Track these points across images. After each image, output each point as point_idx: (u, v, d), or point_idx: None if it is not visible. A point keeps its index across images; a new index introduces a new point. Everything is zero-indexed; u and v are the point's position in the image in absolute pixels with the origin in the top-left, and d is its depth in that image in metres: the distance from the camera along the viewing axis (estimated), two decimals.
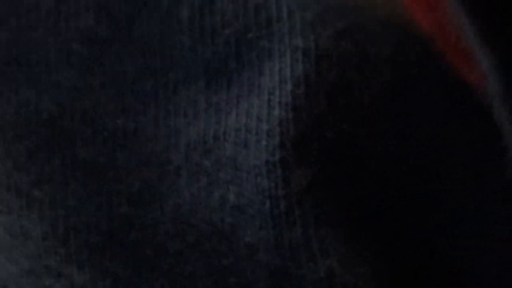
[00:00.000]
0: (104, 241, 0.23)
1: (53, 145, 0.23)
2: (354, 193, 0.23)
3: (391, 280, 0.24)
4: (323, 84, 0.23)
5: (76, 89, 0.23)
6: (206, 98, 0.23)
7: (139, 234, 0.23)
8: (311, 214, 0.23)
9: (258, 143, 0.23)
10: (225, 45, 0.23)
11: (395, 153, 0.24)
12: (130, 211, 0.23)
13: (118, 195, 0.23)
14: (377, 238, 0.23)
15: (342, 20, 0.24)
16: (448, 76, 0.24)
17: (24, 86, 0.23)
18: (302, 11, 0.23)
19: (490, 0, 0.21)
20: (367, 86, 0.23)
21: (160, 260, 0.23)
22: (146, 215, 0.23)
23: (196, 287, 0.23)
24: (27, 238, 0.24)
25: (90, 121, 0.23)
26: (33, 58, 0.23)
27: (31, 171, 0.23)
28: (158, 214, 0.23)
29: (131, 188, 0.23)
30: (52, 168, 0.23)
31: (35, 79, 0.23)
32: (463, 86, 0.24)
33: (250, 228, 0.23)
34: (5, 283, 0.24)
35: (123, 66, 0.23)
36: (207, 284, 0.23)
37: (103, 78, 0.23)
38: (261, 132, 0.23)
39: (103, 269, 0.23)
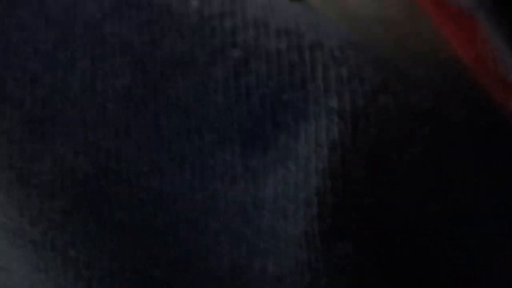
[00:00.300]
0: None
1: (88, 205, 0.23)
2: (396, 262, 0.23)
3: None
4: (360, 147, 0.23)
5: (112, 150, 0.23)
6: (242, 162, 0.23)
7: None
8: (352, 286, 0.22)
9: (297, 212, 0.23)
10: (260, 106, 0.23)
11: (437, 215, 0.23)
12: (166, 274, 0.23)
13: (154, 258, 0.23)
14: None
15: (379, 72, 0.23)
16: (490, 116, 0.24)
17: (59, 144, 0.23)
18: (337, 67, 0.23)
19: None
20: (407, 143, 0.23)
21: None
22: (183, 279, 0.23)
23: None
24: None
25: (126, 182, 0.23)
26: (68, 117, 0.23)
27: (67, 230, 0.23)
28: (196, 280, 0.23)
29: (168, 251, 0.23)
30: (87, 228, 0.23)
31: (71, 138, 0.23)
32: (505, 124, 0.24)
33: None
34: None
35: (159, 126, 0.23)
36: None
37: (139, 138, 0.23)
38: (298, 201, 0.23)
39: None
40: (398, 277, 0.23)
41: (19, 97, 0.22)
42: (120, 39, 0.23)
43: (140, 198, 0.23)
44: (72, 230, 0.23)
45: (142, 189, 0.23)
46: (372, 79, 0.23)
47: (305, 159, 0.23)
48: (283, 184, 0.23)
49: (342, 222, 0.23)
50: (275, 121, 0.23)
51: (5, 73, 0.23)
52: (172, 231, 0.23)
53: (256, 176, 0.23)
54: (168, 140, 0.23)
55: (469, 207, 0.24)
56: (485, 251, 0.24)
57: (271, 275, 0.23)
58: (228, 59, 0.23)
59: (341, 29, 0.24)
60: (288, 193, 0.23)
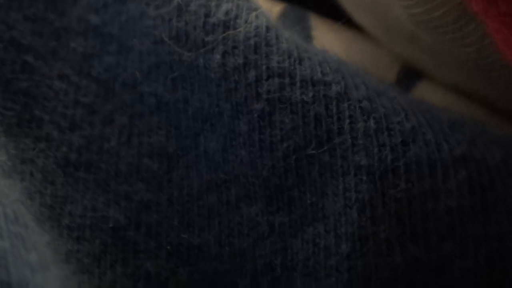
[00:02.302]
0: None
1: (116, 253, 0.23)
2: None
3: None
4: (390, 205, 0.22)
5: (144, 203, 0.23)
6: (268, 219, 0.23)
7: None
8: None
9: (328, 278, 0.22)
10: (284, 160, 0.23)
11: (479, 271, 0.21)
12: None
13: None
14: None
15: (410, 120, 0.22)
16: None
17: (92, 192, 0.24)
18: (364, 120, 0.22)
19: None
20: (441, 193, 0.22)
21: None
22: None
23: None
24: None
25: (155, 234, 0.23)
26: (103, 167, 0.24)
27: (94, 274, 0.23)
28: None
29: None
30: (115, 275, 0.23)
31: (104, 188, 0.24)
32: None
33: None
34: None
35: (189, 181, 0.23)
36: None
37: (170, 193, 0.24)
38: (329, 267, 0.22)
39: None
40: None
41: (56, 140, 0.24)
42: (156, 98, 0.24)
43: (168, 251, 0.23)
44: (99, 275, 0.23)
45: (170, 242, 0.23)
46: (402, 129, 0.22)
47: (334, 222, 0.22)
48: (313, 245, 0.22)
49: (375, 286, 0.21)
50: (300, 176, 0.23)
51: (44, 116, 0.24)
52: (197, 286, 0.23)
53: (282, 235, 0.23)
54: (198, 194, 0.23)
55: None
56: None
57: None
58: (252, 112, 0.23)
59: (369, 76, 0.24)
60: (319, 257, 0.22)
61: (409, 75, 0.26)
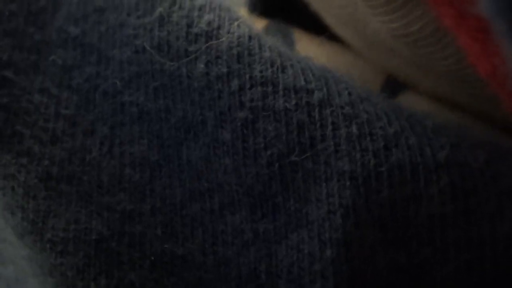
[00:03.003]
0: None
1: (100, 264, 0.23)
2: None
3: None
4: (374, 210, 0.22)
5: (127, 213, 0.23)
6: (252, 227, 0.23)
7: None
8: None
9: (313, 283, 0.22)
10: (268, 167, 0.23)
11: (465, 277, 0.21)
12: None
13: None
14: None
15: (393, 125, 0.22)
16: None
17: (74, 204, 0.23)
18: (347, 125, 0.22)
19: None
20: (424, 198, 0.22)
21: None
22: None
23: None
24: None
25: (138, 245, 0.23)
26: (85, 179, 0.23)
27: (78, 287, 0.23)
28: None
29: None
30: (98, 287, 0.23)
31: (86, 200, 0.23)
32: None
33: None
34: None
35: (172, 190, 0.23)
36: None
37: (153, 202, 0.23)
38: (314, 273, 0.22)
39: None
40: None
41: (37, 154, 0.23)
42: (137, 107, 0.24)
43: (152, 261, 0.23)
44: (83, 287, 0.23)
45: (154, 252, 0.23)
46: (384, 134, 0.22)
47: (318, 227, 0.22)
48: (297, 252, 0.22)
49: None
50: (283, 183, 0.23)
51: (25, 130, 0.24)
52: None
53: (267, 242, 0.23)
54: (181, 203, 0.23)
55: (502, 258, 0.21)
56: None
57: None
58: (235, 120, 0.23)
59: (352, 81, 0.24)
60: (303, 263, 0.22)
61: (393, 86, 0.26)
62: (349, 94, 0.23)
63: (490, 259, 0.21)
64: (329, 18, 0.26)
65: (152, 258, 0.23)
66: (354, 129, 0.22)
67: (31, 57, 0.24)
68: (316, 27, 0.27)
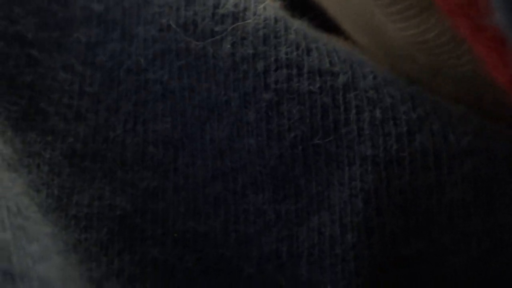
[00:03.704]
0: None
1: (124, 240, 0.24)
2: None
3: None
4: (395, 195, 0.22)
5: (150, 190, 0.24)
6: (274, 208, 0.23)
7: None
8: None
9: (333, 266, 0.22)
10: (291, 149, 0.23)
11: (485, 261, 0.22)
12: None
13: None
14: None
15: (416, 110, 0.22)
16: None
17: (98, 181, 0.24)
18: (371, 109, 0.22)
19: None
20: (446, 185, 0.22)
21: None
22: None
23: None
24: None
25: (161, 221, 0.24)
26: (109, 156, 0.24)
27: (102, 262, 0.24)
28: None
29: None
30: (122, 262, 0.24)
31: (110, 176, 0.24)
32: None
33: None
34: None
35: (195, 169, 0.24)
36: None
37: (176, 180, 0.24)
38: (335, 256, 0.22)
39: None
40: None
41: (62, 131, 0.24)
42: (161, 85, 0.24)
43: (175, 238, 0.23)
44: (107, 263, 0.24)
45: (177, 229, 0.24)
46: (408, 119, 0.22)
47: (340, 211, 0.22)
48: (318, 235, 0.23)
49: (381, 276, 0.22)
50: (306, 165, 0.23)
51: (49, 108, 0.24)
52: (204, 272, 0.23)
53: (289, 223, 0.23)
54: (204, 182, 0.24)
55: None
56: None
57: None
58: (260, 102, 0.23)
59: (376, 65, 0.24)
60: (324, 246, 0.22)
61: None
62: (374, 77, 0.23)
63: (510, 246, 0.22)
64: (346, 24, 0.27)
65: (175, 234, 0.23)
66: (377, 113, 0.22)
67: (55, 35, 0.24)
68: (332, 32, 0.28)
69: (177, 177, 0.24)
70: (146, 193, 0.24)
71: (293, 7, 0.25)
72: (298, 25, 0.24)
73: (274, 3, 0.24)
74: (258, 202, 0.23)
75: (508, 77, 0.19)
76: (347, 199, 0.22)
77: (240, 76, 0.23)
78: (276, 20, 0.23)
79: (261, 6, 0.24)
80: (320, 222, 0.23)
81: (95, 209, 0.24)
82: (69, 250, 0.24)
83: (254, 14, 0.24)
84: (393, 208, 0.22)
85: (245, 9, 0.24)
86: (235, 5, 0.24)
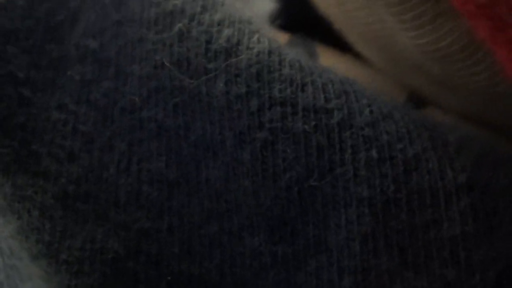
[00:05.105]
0: None
1: (116, 284, 0.23)
2: None
3: None
4: (391, 236, 0.21)
5: (144, 232, 0.23)
6: (270, 250, 0.22)
7: None
8: None
9: None
10: (287, 191, 0.22)
11: None
12: None
13: None
14: None
15: (413, 146, 0.22)
16: None
17: (91, 223, 0.23)
18: (367, 149, 0.22)
19: None
20: (443, 221, 0.21)
21: None
22: None
23: None
24: None
25: (155, 264, 0.23)
26: (102, 197, 0.23)
27: None
28: None
29: None
30: None
31: (103, 218, 0.23)
32: None
33: None
34: None
35: (190, 209, 0.23)
36: None
37: (170, 221, 0.23)
38: None
39: None
40: None
41: (54, 173, 0.23)
42: (156, 124, 0.23)
43: (168, 281, 0.23)
44: None
45: (171, 271, 0.23)
46: (405, 157, 0.22)
47: (337, 254, 0.22)
48: (316, 279, 0.22)
49: None
50: (302, 207, 0.22)
51: (42, 149, 0.23)
52: None
53: (286, 266, 0.22)
54: (199, 223, 0.23)
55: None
56: None
57: None
58: (254, 141, 0.23)
59: (375, 94, 0.23)
60: None
61: (416, 102, 0.26)
62: (371, 112, 0.22)
63: None
64: (353, 36, 0.26)
65: (169, 277, 0.23)
66: (374, 153, 0.22)
67: (48, 74, 0.24)
68: (339, 44, 0.27)
69: (171, 218, 0.23)
70: (140, 235, 0.23)
71: (293, 25, 0.25)
72: (293, 55, 0.23)
73: (268, 32, 0.24)
74: (254, 244, 0.23)
75: None
76: (344, 242, 0.22)
77: (235, 115, 0.23)
78: (270, 53, 0.23)
79: (255, 37, 0.23)
80: (318, 266, 0.22)
81: (87, 253, 0.23)
82: None
83: (247, 48, 0.23)
84: (390, 247, 0.21)
85: (238, 42, 0.23)
86: (228, 40, 0.23)
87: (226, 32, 0.23)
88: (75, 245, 0.23)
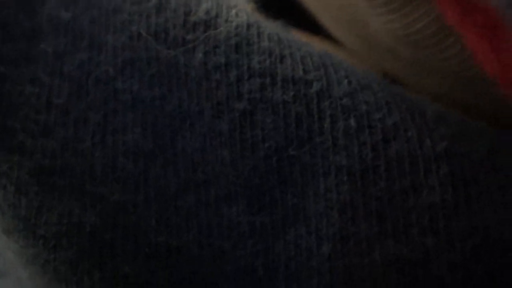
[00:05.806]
0: None
1: (94, 257, 0.23)
2: None
3: None
4: (370, 203, 0.21)
5: (121, 204, 0.23)
6: (248, 220, 0.22)
7: None
8: None
9: (309, 279, 0.22)
10: (265, 161, 0.22)
11: (463, 266, 0.21)
12: None
13: None
14: None
15: (392, 116, 0.22)
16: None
17: (67, 197, 0.23)
18: (345, 118, 0.22)
19: None
20: (422, 189, 0.22)
21: None
22: None
23: None
24: None
25: (132, 236, 0.23)
26: (78, 170, 0.23)
27: (71, 281, 0.23)
28: None
29: None
30: (92, 281, 0.23)
31: (80, 192, 0.23)
32: None
33: None
34: None
35: (167, 181, 0.23)
36: None
37: (147, 193, 0.23)
38: (311, 269, 0.22)
39: None
40: None
41: (29, 148, 0.23)
42: (131, 95, 0.23)
43: (146, 253, 0.23)
44: (77, 282, 0.23)
45: (148, 244, 0.23)
46: (384, 126, 0.22)
47: (316, 223, 0.22)
48: (295, 248, 0.22)
49: (355, 286, 0.21)
50: (281, 177, 0.22)
51: (16, 124, 0.23)
52: (177, 287, 0.23)
53: (264, 236, 0.22)
54: (176, 194, 0.23)
55: (498, 252, 0.22)
56: None
57: None
58: (233, 111, 0.23)
59: (352, 67, 0.23)
60: (301, 258, 0.22)
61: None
62: (349, 82, 0.23)
63: (497, 243, 0.21)
64: (327, 20, 0.26)
65: (147, 250, 0.23)
66: (352, 122, 0.22)
67: (21, 47, 0.23)
68: (312, 27, 0.27)
69: (148, 190, 0.23)
70: (116, 207, 0.23)
71: (268, 7, 0.25)
72: (271, 29, 0.23)
73: (246, 7, 0.24)
74: (232, 215, 0.23)
75: (499, 66, 0.19)
76: (323, 211, 0.22)
77: (213, 85, 0.23)
78: (248, 27, 0.23)
79: (233, 11, 0.23)
80: (297, 235, 0.22)
81: (64, 227, 0.23)
82: (36, 269, 0.23)
83: (226, 21, 0.23)
84: (369, 215, 0.22)
85: (217, 15, 0.23)
86: (207, 12, 0.23)
87: (205, 5, 0.23)
88: (52, 220, 0.23)
